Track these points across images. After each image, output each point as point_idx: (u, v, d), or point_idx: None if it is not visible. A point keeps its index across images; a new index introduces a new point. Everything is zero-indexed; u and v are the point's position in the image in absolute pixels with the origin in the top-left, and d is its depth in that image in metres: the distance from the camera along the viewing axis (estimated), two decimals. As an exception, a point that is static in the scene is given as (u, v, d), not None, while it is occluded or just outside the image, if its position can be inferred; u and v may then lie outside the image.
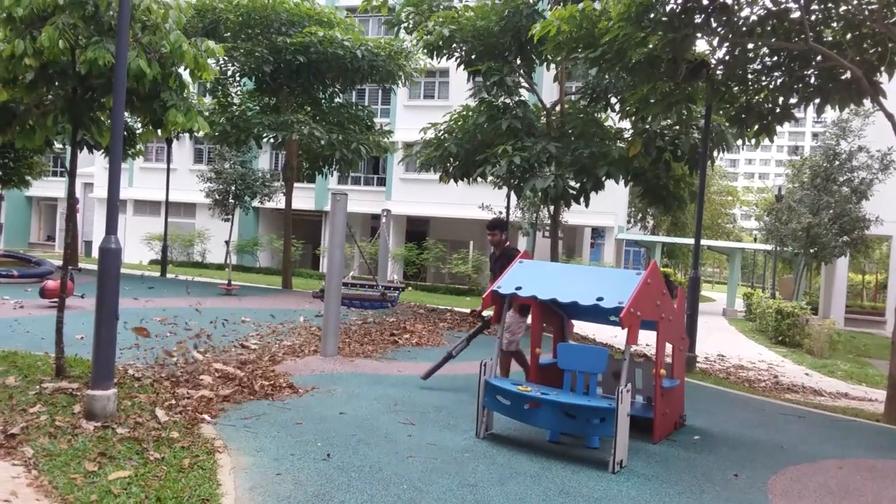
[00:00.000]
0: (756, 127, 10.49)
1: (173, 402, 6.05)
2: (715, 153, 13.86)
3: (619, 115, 14.81)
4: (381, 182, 32.60)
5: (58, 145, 21.83)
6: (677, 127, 13.78)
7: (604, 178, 13.78)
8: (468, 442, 5.77)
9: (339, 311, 9.69)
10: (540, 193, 13.55)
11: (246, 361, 8.15)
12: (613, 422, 5.24)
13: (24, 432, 4.87)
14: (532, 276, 6.14)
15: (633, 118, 14.11)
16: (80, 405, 5.44)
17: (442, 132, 15.74)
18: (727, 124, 12.57)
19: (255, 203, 29.87)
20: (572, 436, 5.99)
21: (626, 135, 14.98)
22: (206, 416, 5.79)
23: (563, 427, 5.71)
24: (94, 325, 5.38)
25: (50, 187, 40.03)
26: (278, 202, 26.30)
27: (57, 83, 6.45)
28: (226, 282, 17.52)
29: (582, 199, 14.24)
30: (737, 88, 10.52)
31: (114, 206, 5.61)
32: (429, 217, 31.90)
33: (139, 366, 7.38)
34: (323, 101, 20.19)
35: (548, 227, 24.66)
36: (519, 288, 5.94)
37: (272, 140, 19.06)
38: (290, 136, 17.76)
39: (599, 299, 5.56)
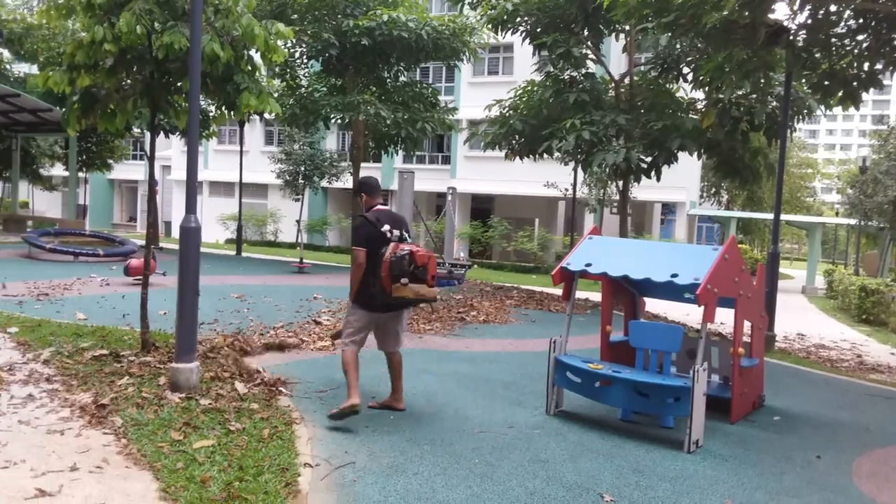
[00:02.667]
0: (840, 94, 9.94)
1: (252, 374, 6.27)
2: (796, 121, 13.21)
3: (691, 86, 14.30)
4: (446, 160, 32.60)
5: (136, 130, 22.75)
6: (753, 96, 13.19)
7: (676, 151, 13.35)
8: (538, 419, 5.75)
9: (407, 289, 9.77)
10: (609, 169, 13.24)
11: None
12: (689, 401, 5.12)
13: (114, 403, 5.14)
14: (602, 252, 6.03)
15: (707, 88, 13.60)
16: (165, 377, 5.70)
17: (507, 108, 15.56)
18: (808, 92, 11.95)
19: (324, 183, 30.41)
20: (645, 415, 5.89)
21: (699, 105, 14.46)
22: (282, 389, 5.97)
23: (636, 406, 5.62)
24: (177, 300, 5.60)
25: (130, 170, 41.84)
26: (346, 182, 26.71)
27: (135, 68, 6.68)
28: (298, 260, 17.97)
29: (653, 174, 13.85)
30: (819, 54, 9.96)
31: (192, 186, 5.80)
32: (494, 195, 31.75)
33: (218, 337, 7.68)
34: (388, 80, 20.24)
35: (616, 204, 24.17)
36: (589, 264, 5.84)
37: (339, 121, 19.27)
38: (357, 116, 17.91)
39: (674, 276, 5.41)
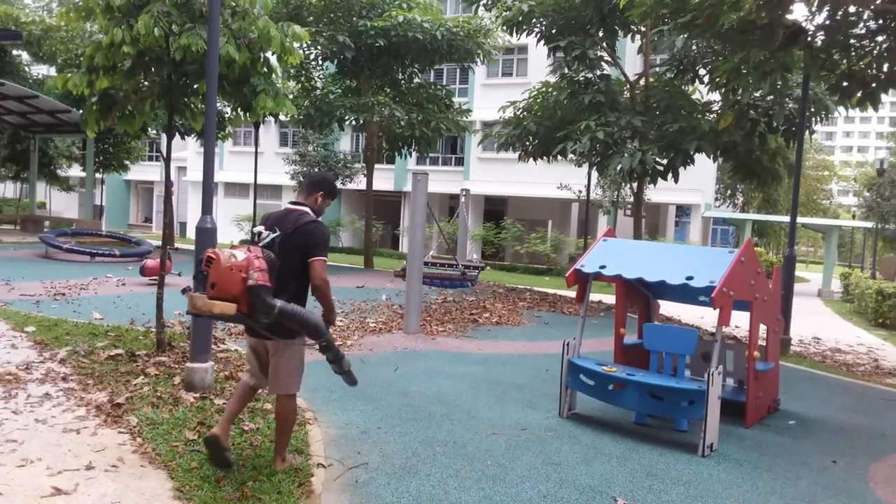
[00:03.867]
0: (858, 95, 9.83)
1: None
2: (813, 123, 13.09)
3: (707, 87, 14.20)
4: (460, 162, 32.60)
5: (152, 132, 22.93)
6: (771, 97, 13.08)
7: (693, 153, 13.26)
8: (551, 421, 5.74)
9: (420, 290, 9.80)
10: (624, 172, 13.18)
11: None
12: (703, 404, 5.08)
13: (129, 402, 5.18)
14: (617, 254, 6.00)
15: (724, 90, 13.50)
16: (180, 377, 5.74)
17: (521, 110, 15.54)
18: (826, 93, 11.83)
19: (338, 184, 30.48)
20: (659, 418, 5.86)
21: (716, 107, 14.36)
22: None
23: (650, 409, 5.59)
24: (192, 301, 5.63)
25: (146, 171, 42.20)
26: (359, 183, 26.79)
27: (153, 69, 6.73)
28: (310, 261, 18.02)
29: (670, 175, 13.77)
30: (837, 55, 9.86)
31: (209, 187, 5.84)
32: (507, 196, 31.70)
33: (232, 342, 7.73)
34: (402, 81, 20.30)
35: (630, 206, 24.06)
36: (603, 266, 5.82)
37: (353, 122, 19.34)
38: (371, 117, 17.98)
39: (689, 278, 5.38)
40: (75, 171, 32.58)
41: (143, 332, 7.65)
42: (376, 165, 21.91)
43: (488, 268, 22.87)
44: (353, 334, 8.84)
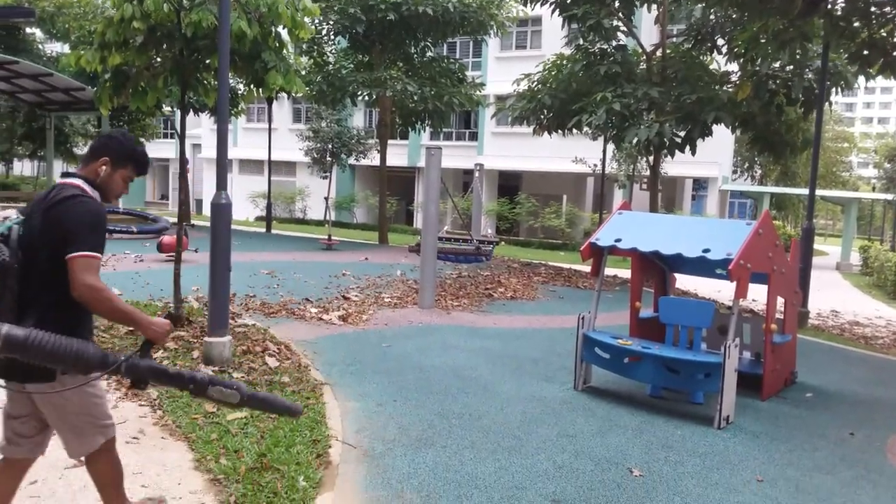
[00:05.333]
0: (879, 63, 9.63)
1: (282, 349, 6.36)
2: (833, 92, 12.85)
3: (725, 58, 13.96)
4: (473, 137, 32.40)
5: (166, 108, 22.97)
6: (790, 68, 12.84)
7: (711, 124, 13.08)
8: (566, 394, 5.75)
9: (435, 265, 9.81)
10: (641, 144, 13.03)
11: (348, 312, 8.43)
12: (720, 377, 5.07)
13: (151, 375, 5.25)
14: (633, 228, 5.96)
15: (742, 60, 13.27)
16: (199, 351, 5.81)
17: (535, 83, 15.38)
18: (846, 62, 11.59)
19: (351, 160, 30.45)
20: (674, 391, 5.86)
21: (734, 78, 14.12)
22: (310, 363, 6.05)
23: (666, 382, 5.58)
24: (210, 276, 5.69)
25: (161, 149, 42.30)
26: (373, 159, 26.71)
27: (165, 45, 6.72)
28: (326, 237, 18.10)
29: (687, 148, 13.61)
30: (858, 23, 9.64)
31: (223, 163, 5.85)
32: (521, 171, 31.51)
33: (250, 314, 7.80)
34: (415, 55, 20.13)
35: (646, 179, 23.84)
36: (619, 240, 5.78)
37: (366, 97, 19.23)
38: (384, 92, 17.86)
39: (706, 251, 5.33)
40: (91, 150, 32.71)
41: (162, 308, 7.74)
42: (390, 141, 21.83)
43: (503, 243, 22.82)
44: (367, 309, 8.88)
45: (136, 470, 3.74)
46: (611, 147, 21.14)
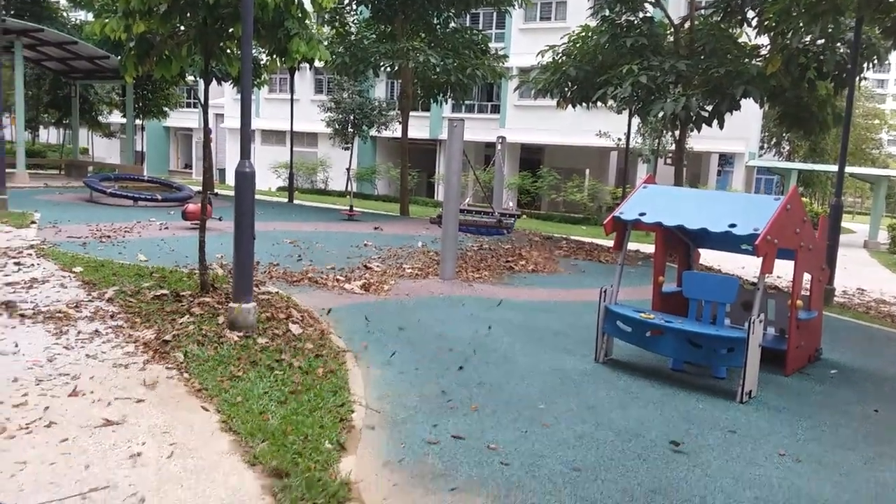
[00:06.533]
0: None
1: (304, 316, 6.43)
2: (865, 68, 12.53)
3: (755, 31, 13.64)
4: (495, 109, 32.13)
5: (189, 77, 23.02)
6: (821, 41, 12.52)
7: (739, 98, 12.83)
8: (587, 366, 5.76)
9: (456, 236, 9.81)
10: (667, 118, 12.83)
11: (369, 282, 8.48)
12: (743, 352, 5.04)
13: (176, 340, 5.35)
14: (657, 202, 5.90)
15: (773, 33, 12.96)
16: (224, 317, 5.89)
17: (560, 55, 15.16)
18: (880, 36, 11.27)
19: (373, 132, 30.40)
20: (696, 365, 5.84)
21: (764, 51, 13.81)
22: (332, 331, 6.11)
23: (688, 356, 5.56)
24: (234, 243, 5.74)
25: (185, 118, 42.56)
26: (394, 131, 26.62)
27: (188, 13, 6.71)
28: (348, 208, 18.15)
29: (714, 123, 13.38)
30: (893, -4, 9.36)
31: (247, 131, 5.85)
32: (543, 144, 31.26)
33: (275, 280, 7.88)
34: (437, 26, 19.90)
35: (670, 154, 23.52)
36: (643, 213, 5.73)
37: (388, 69, 19.10)
38: (406, 63, 17.71)
39: (732, 226, 5.27)
40: (115, 118, 33.00)
41: (187, 274, 7.84)
42: (411, 113, 21.72)
43: (524, 216, 22.74)
44: (389, 279, 8.92)
45: (165, 430, 3.83)
46: (635, 121, 20.86)
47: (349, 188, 24.62)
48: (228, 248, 8.64)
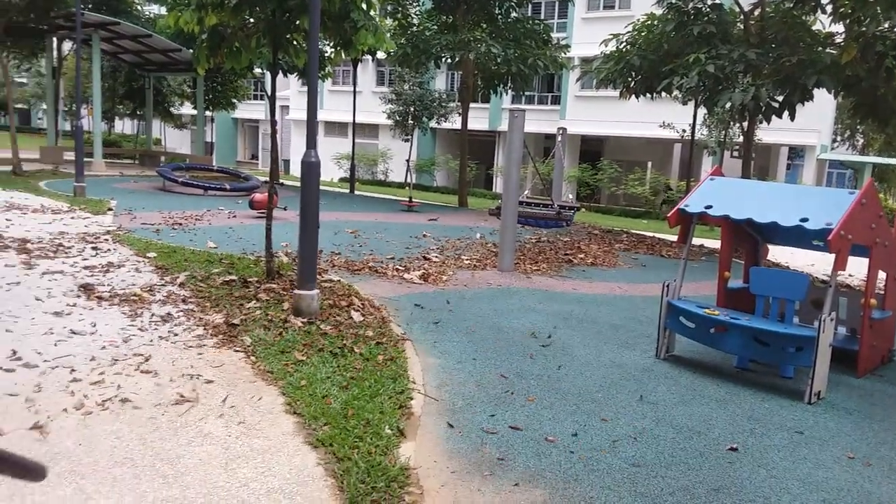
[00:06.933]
0: None
1: (366, 304, 6.54)
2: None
3: (830, 18, 13.06)
4: (556, 100, 31.76)
5: (257, 70, 23.60)
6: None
7: (811, 88, 12.33)
8: (647, 361, 5.68)
9: (515, 228, 9.79)
10: (735, 109, 12.45)
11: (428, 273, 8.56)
12: (812, 351, 4.88)
13: (243, 324, 5.54)
14: (725, 194, 5.75)
15: (848, 20, 12.38)
16: (288, 303, 6.06)
17: (624, 44, 14.87)
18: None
19: (433, 124, 30.54)
20: (762, 364, 5.69)
21: (838, 39, 13.21)
22: (392, 319, 6.20)
23: (754, 354, 5.42)
24: (299, 230, 5.89)
25: (252, 110, 43.65)
26: (454, 122, 26.66)
27: (258, 6, 6.89)
28: (407, 199, 18.32)
29: (785, 114, 12.89)
30: None
31: (313, 122, 5.99)
32: (604, 136, 30.73)
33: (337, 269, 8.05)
34: (499, 16, 19.81)
35: (737, 146, 22.80)
36: (709, 206, 5.60)
37: (449, 60, 19.13)
38: (467, 54, 17.70)
39: (804, 220, 5.10)
40: (186, 110, 34.12)
41: (254, 261, 8.09)
42: (471, 104, 21.71)
43: (583, 209, 22.46)
44: (447, 270, 8.98)
45: (233, 410, 3.98)
46: (701, 112, 20.30)
47: (408, 180, 24.83)
48: (292, 237, 8.86)
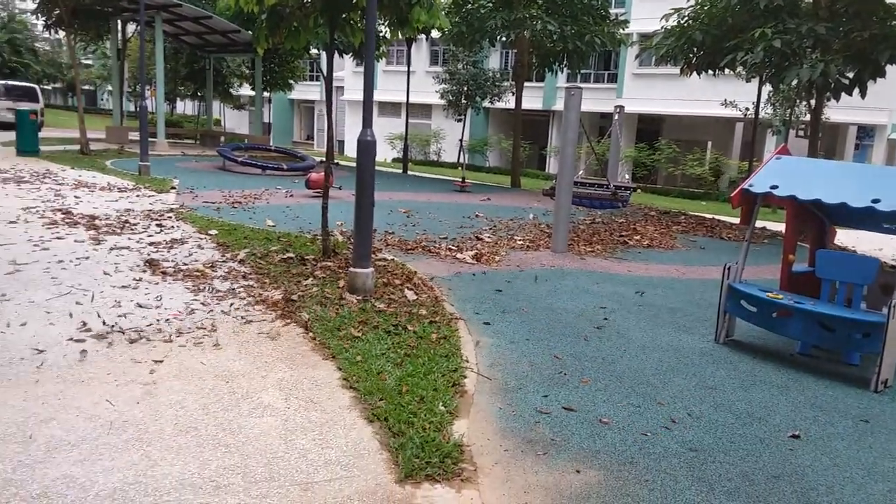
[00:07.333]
0: None
1: (418, 283, 6.59)
2: None
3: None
4: (612, 78, 31.10)
5: (313, 51, 23.84)
6: None
7: (885, 64, 11.74)
8: (706, 346, 5.56)
9: (569, 209, 9.67)
10: (803, 86, 11.95)
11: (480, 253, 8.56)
12: (881, 338, 4.69)
13: (301, 300, 5.65)
14: (791, 174, 5.53)
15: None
16: (344, 281, 6.15)
17: (685, 18, 14.41)
18: None
19: (485, 103, 30.34)
20: (826, 350, 5.50)
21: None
22: (445, 298, 6.23)
23: (818, 340, 5.24)
24: (355, 209, 5.95)
25: (307, 91, 44.16)
26: (507, 102, 26.42)
27: (316, -14, 6.93)
28: (460, 179, 18.30)
29: (855, 91, 12.32)
30: None
31: (369, 101, 6.02)
32: (663, 115, 29.97)
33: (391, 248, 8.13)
34: (555, -8, 19.45)
35: (803, 125, 21.93)
36: (775, 186, 5.40)
37: (504, 38, 18.91)
38: (523, 32, 17.46)
39: (875, 201, 4.87)
40: (244, 91, 34.77)
41: (310, 239, 8.23)
42: (525, 83, 21.45)
43: (639, 190, 22.02)
44: (500, 250, 8.96)
45: (291, 383, 4.08)
46: (766, 89, 19.57)
47: (461, 160, 24.76)
48: (347, 216, 8.97)
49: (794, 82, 11.92)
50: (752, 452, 3.67)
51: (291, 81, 28.10)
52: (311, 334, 4.92)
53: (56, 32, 23.99)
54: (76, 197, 10.50)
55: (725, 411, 4.20)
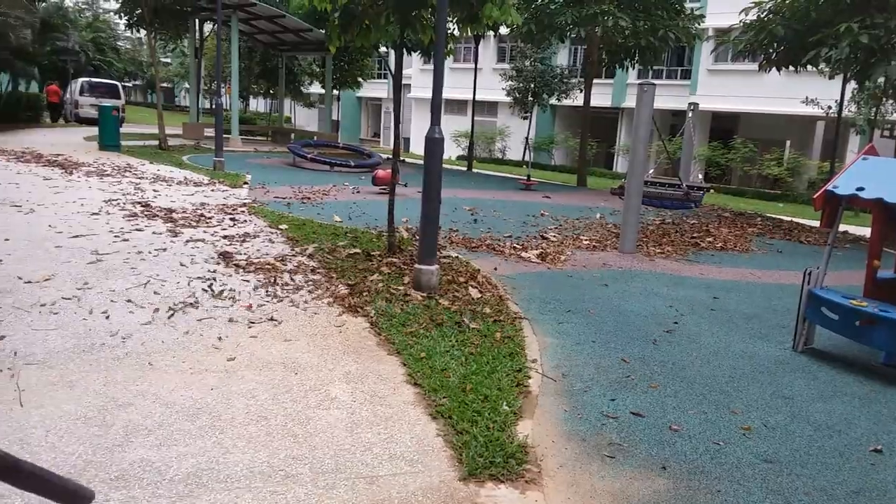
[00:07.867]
0: None
1: (483, 281, 6.57)
2: None
3: None
4: (686, 75, 30.23)
5: (382, 49, 24.12)
6: None
7: None
8: (783, 354, 5.33)
9: (639, 209, 9.46)
10: (891, 84, 11.33)
11: (545, 253, 8.46)
12: (978, 351, 4.38)
13: (367, 295, 5.71)
14: (879, 175, 5.24)
15: None
16: (409, 277, 6.19)
17: (766, 12, 13.85)
18: None
19: (552, 101, 30.00)
20: (915, 362, 5.18)
21: None
22: (509, 297, 6.19)
23: (905, 350, 4.95)
24: (422, 206, 5.98)
25: (375, 89, 44.76)
26: (575, 99, 26.03)
27: (387, -15, 6.99)
28: (525, 177, 18.17)
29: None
30: None
31: (438, 97, 6.03)
32: (738, 112, 28.92)
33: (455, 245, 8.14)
34: (628, -14, 19.03)
35: (889, 125, 20.79)
36: (861, 188, 5.13)
37: (573, 35, 18.63)
38: (594, 29, 17.16)
39: (974, 205, 4.56)
40: (314, 89, 35.50)
41: (377, 236, 8.33)
42: (594, 80, 21.09)
43: (712, 191, 21.35)
44: (565, 249, 8.84)
45: (357, 377, 4.13)
46: (850, 87, 18.64)
47: (527, 158, 24.58)
48: (412, 213, 9.03)
49: (882, 80, 11.28)
50: (831, 466, 3.50)
51: (360, 79, 28.51)
52: (376, 329, 4.97)
53: (137, 31, 25.07)
54: (154, 190, 10.94)
55: (803, 422, 4.02)
